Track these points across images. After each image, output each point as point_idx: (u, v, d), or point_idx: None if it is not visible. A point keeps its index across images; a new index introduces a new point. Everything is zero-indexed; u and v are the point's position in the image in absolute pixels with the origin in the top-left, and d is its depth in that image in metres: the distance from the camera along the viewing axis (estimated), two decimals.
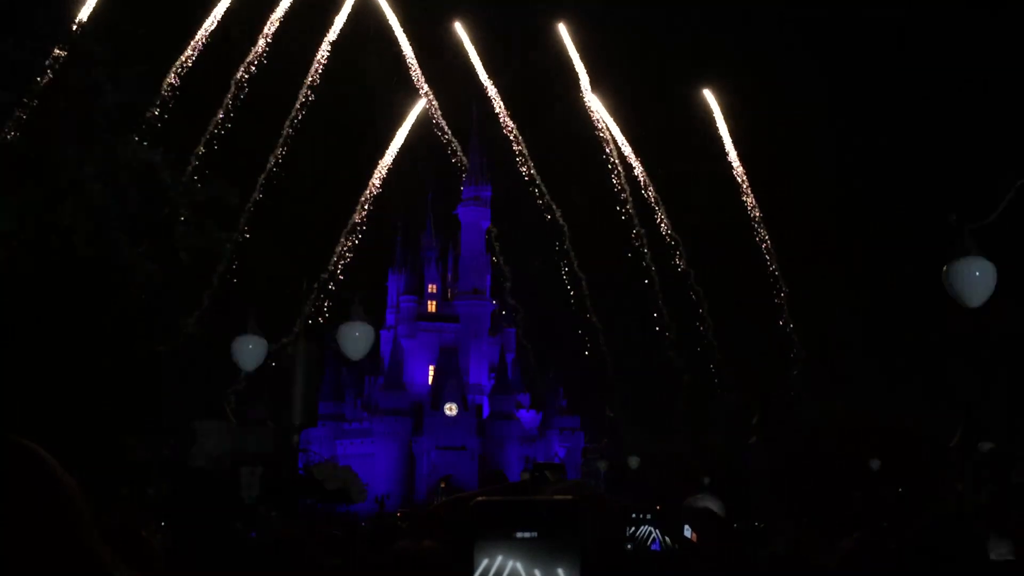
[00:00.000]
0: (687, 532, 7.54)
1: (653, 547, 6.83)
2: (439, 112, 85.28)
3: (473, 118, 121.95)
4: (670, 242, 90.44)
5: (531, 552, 4.04)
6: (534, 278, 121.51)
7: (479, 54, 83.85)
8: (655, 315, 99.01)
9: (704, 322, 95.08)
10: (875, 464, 62.22)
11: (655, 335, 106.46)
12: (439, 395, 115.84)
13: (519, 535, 4.04)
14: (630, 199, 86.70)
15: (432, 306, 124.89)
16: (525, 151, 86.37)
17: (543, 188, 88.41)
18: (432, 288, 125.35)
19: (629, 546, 6.78)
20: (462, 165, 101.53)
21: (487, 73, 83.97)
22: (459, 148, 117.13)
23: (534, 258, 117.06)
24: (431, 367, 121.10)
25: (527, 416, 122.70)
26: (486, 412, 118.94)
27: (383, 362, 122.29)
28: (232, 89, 68.30)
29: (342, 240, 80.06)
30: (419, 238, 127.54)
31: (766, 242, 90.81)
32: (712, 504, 9.03)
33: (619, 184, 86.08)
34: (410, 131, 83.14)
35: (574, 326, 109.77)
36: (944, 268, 13.89)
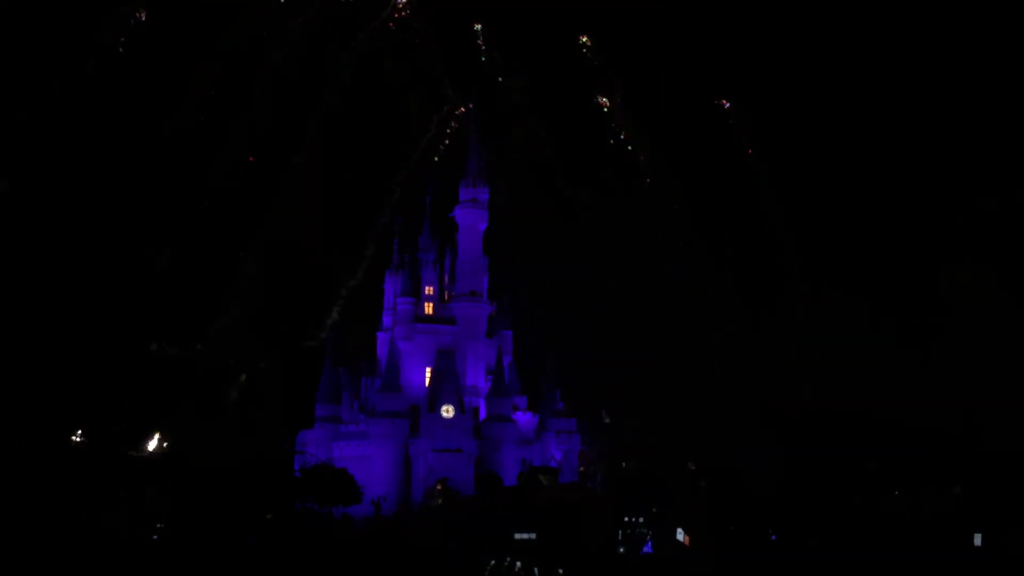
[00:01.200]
0: (679, 535, 7.54)
1: (645, 549, 6.86)
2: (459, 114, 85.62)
3: (473, 120, 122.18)
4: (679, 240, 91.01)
5: (530, 552, 4.09)
6: (533, 278, 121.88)
7: (487, 57, 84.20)
8: (658, 315, 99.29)
9: (712, 324, 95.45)
10: (874, 465, 62.45)
11: (656, 336, 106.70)
12: (436, 397, 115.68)
13: (518, 536, 4.08)
14: (645, 176, 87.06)
15: (429, 308, 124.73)
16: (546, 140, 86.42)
17: (559, 179, 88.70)
18: (429, 290, 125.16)
19: (621, 549, 6.81)
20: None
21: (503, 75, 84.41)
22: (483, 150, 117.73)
23: (532, 256, 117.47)
24: (428, 369, 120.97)
25: (524, 418, 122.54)
26: (483, 414, 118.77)
27: (380, 364, 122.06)
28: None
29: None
30: (416, 240, 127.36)
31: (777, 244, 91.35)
32: None
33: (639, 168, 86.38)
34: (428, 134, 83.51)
35: (578, 326, 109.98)
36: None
